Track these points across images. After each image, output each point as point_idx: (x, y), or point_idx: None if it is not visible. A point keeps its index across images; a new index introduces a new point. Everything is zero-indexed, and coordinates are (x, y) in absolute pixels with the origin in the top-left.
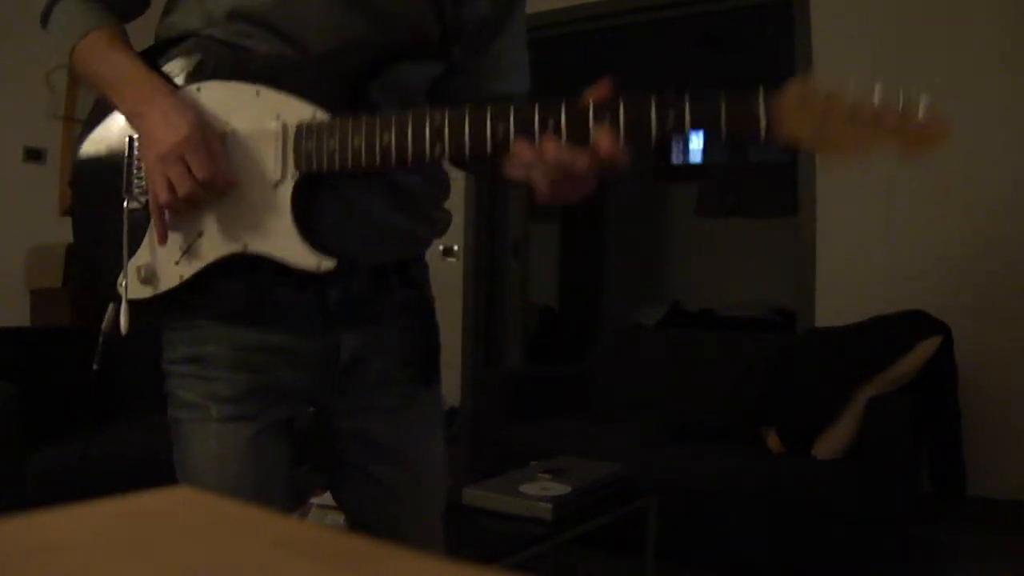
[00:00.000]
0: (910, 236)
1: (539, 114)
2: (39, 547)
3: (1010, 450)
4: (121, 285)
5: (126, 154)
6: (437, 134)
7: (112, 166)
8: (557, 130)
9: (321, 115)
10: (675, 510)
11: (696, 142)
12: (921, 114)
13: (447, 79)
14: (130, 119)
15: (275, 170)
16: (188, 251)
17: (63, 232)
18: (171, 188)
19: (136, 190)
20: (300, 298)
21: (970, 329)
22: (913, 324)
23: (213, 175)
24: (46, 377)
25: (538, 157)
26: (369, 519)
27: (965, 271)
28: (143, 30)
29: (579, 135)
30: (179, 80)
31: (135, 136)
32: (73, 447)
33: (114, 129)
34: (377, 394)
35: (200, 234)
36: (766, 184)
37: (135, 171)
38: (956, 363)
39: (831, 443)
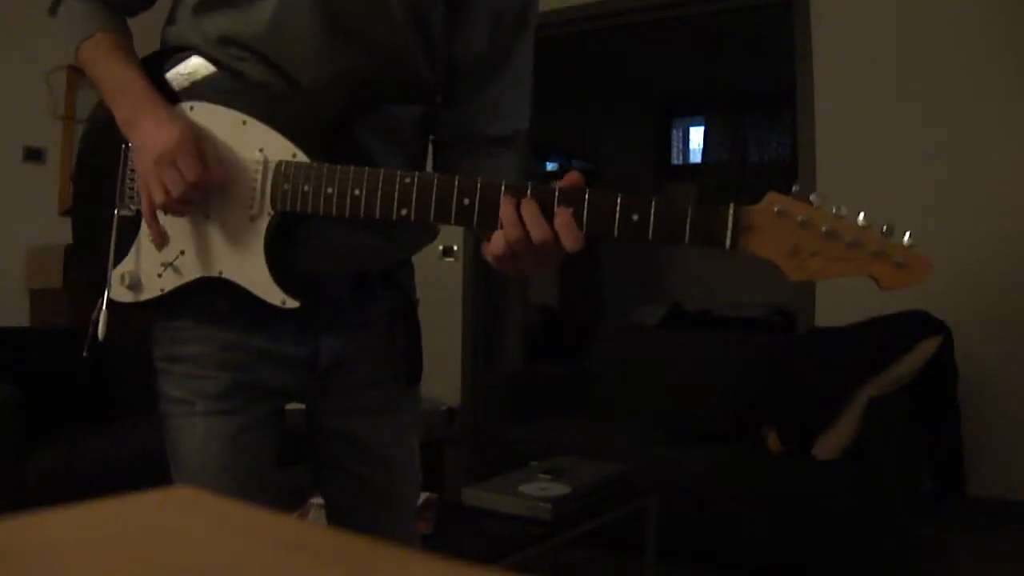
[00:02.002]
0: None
1: (505, 192)
2: (39, 548)
3: (1010, 450)
4: (105, 288)
5: (120, 163)
6: (404, 198)
7: (108, 170)
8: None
9: (301, 156)
10: (675, 510)
11: (696, 141)
12: (905, 241)
13: (440, 111)
14: (124, 128)
15: (253, 204)
16: (170, 266)
17: (63, 232)
18: (166, 190)
19: (128, 199)
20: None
21: (970, 329)
22: (913, 324)
23: (202, 177)
24: (46, 377)
25: (508, 217)
26: (350, 515)
27: (965, 271)
28: (148, 23)
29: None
30: (175, 93)
31: (129, 145)
32: (73, 447)
33: (113, 134)
34: (359, 397)
35: (182, 252)
36: (766, 184)
37: (128, 180)
38: (956, 363)
39: (831, 443)
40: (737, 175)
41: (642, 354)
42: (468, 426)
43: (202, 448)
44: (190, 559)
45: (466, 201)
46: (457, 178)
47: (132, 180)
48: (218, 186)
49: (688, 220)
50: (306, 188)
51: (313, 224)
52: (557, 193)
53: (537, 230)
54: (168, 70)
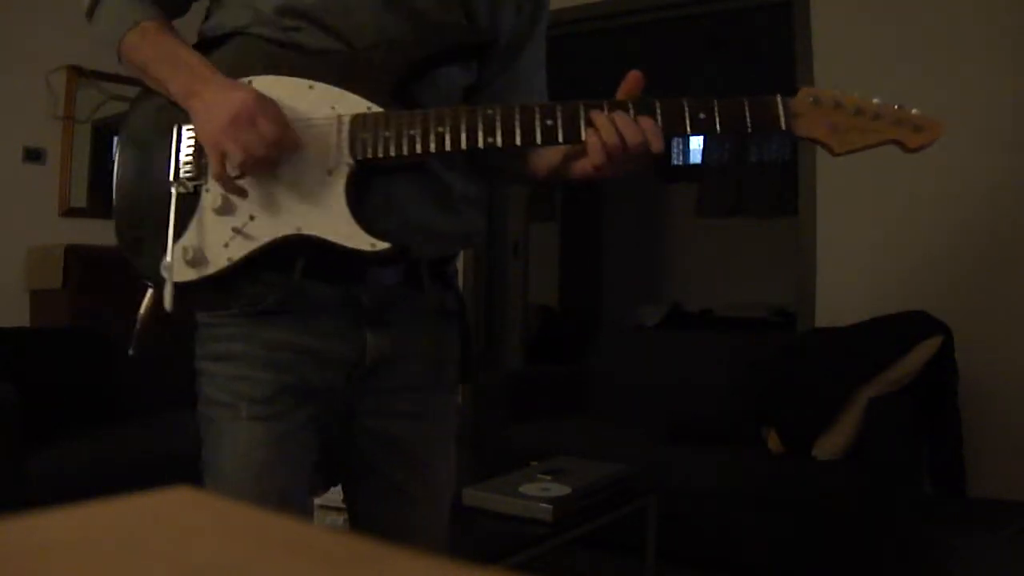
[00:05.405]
0: (910, 236)
1: (584, 109)
2: (39, 548)
3: (1010, 450)
4: (164, 268)
5: (174, 139)
6: (489, 127)
7: (154, 150)
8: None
9: (376, 109)
10: (675, 510)
11: (696, 142)
12: (915, 111)
13: (474, 93)
14: (184, 99)
15: (331, 158)
16: (240, 232)
17: (63, 232)
18: (245, 150)
19: (184, 176)
20: (333, 297)
21: (970, 329)
22: (913, 324)
23: (282, 136)
24: (46, 377)
25: (604, 126)
26: (379, 519)
27: (965, 271)
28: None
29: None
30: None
31: (183, 125)
32: (73, 447)
33: (159, 116)
34: (399, 399)
35: (252, 217)
36: (766, 184)
37: (183, 157)
38: (956, 363)
39: (831, 443)
40: (737, 176)
41: (642, 354)
42: (468, 426)
43: (244, 455)
44: (190, 559)
45: (549, 122)
46: (537, 104)
47: (191, 157)
48: (296, 146)
49: (747, 112)
50: (387, 134)
51: (391, 201)
52: (631, 107)
53: (630, 132)
54: (210, 56)
